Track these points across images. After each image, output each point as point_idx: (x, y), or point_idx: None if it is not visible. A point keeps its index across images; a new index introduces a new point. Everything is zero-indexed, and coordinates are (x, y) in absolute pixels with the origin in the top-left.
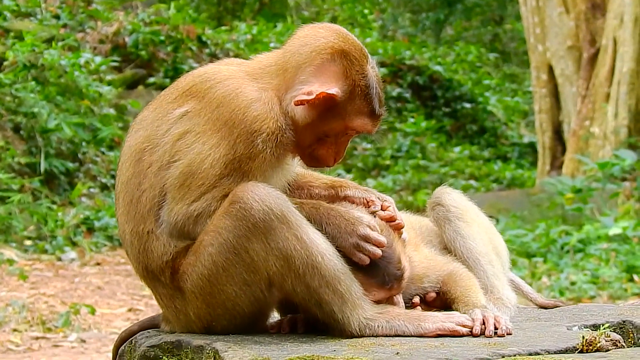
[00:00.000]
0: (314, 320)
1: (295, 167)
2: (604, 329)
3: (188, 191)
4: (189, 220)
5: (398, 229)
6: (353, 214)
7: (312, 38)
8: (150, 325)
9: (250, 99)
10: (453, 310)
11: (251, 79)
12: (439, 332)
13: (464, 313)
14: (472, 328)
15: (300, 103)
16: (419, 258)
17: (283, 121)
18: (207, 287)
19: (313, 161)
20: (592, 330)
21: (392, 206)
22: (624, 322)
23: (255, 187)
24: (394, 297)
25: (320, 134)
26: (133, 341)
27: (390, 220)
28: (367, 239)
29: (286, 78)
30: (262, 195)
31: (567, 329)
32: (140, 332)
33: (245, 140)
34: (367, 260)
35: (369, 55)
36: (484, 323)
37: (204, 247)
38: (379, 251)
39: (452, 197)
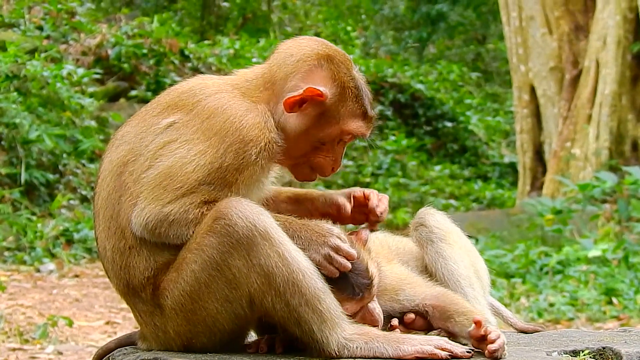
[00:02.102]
0: (293, 340)
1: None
2: (584, 355)
3: (164, 192)
4: (162, 222)
5: (377, 219)
6: (323, 226)
7: (296, 48)
8: (128, 342)
9: (245, 109)
10: (449, 327)
11: (240, 93)
12: (418, 355)
13: (463, 324)
14: (451, 351)
15: (289, 103)
16: (391, 270)
17: (276, 133)
18: (189, 304)
19: (308, 172)
20: (571, 356)
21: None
22: (603, 348)
23: (238, 203)
24: (368, 306)
25: (315, 141)
26: (110, 358)
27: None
28: (337, 250)
29: (275, 90)
30: (246, 211)
31: (547, 355)
32: (118, 349)
33: (236, 150)
34: (336, 273)
35: (352, 61)
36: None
37: (186, 264)
38: (348, 264)
39: (435, 218)
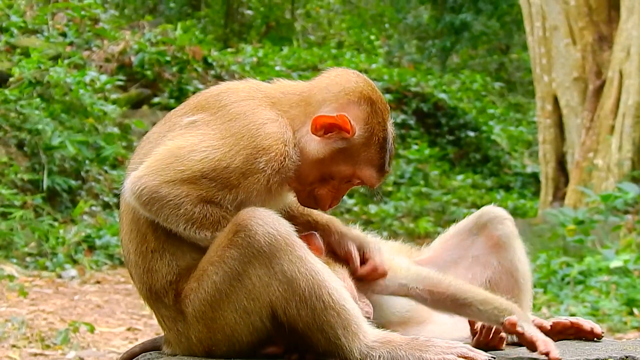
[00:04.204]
0: (314, 350)
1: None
2: None
3: (165, 168)
4: (155, 202)
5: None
6: None
7: (344, 79)
8: (152, 347)
9: (267, 118)
10: (468, 314)
11: (269, 103)
12: None
13: (492, 313)
14: (473, 359)
15: (319, 122)
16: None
17: (292, 149)
18: (209, 312)
19: (309, 200)
20: None
21: (376, 254)
22: (626, 357)
23: (256, 212)
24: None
25: (326, 174)
26: None
27: (373, 270)
28: None
29: (307, 111)
30: (265, 218)
31: None
32: (142, 354)
33: (248, 155)
34: None
35: (390, 113)
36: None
37: (207, 275)
38: None
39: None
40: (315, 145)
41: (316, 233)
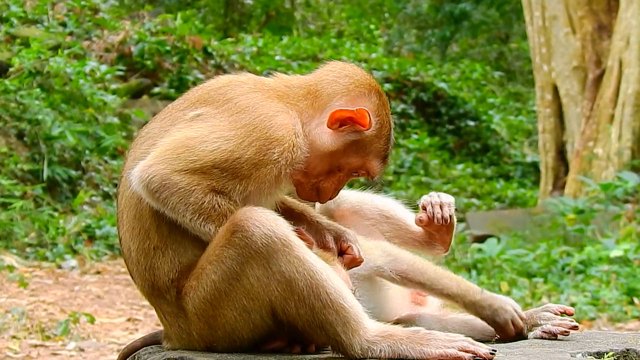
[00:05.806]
0: (316, 346)
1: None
2: (608, 356)
3: (176, 158)
4: (165, 189)
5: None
6: None
7: (351, 71)
8: (153, 341)
9: (277, 110)
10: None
11: (275, 95)
12: (442, 358)
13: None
14: (475, 352)
15: (337, 116)
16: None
17: (302, 141)
18: (209, 310)
19: (311, 193)
20: (595, 357)
21: (353, 245)
22: (627, 350)
23: (253, 212)
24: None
25: (335, 166)
26: (136, 357)
27: (353, 261)
28: None
29: (316, 104)
30: (263, 219)
31: (571, 356)
32: (143, 348)
33: (260, 146)
34: None
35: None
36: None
37: (206, 274)
38: None
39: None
40: (327, 138)
41: (302, 228)
